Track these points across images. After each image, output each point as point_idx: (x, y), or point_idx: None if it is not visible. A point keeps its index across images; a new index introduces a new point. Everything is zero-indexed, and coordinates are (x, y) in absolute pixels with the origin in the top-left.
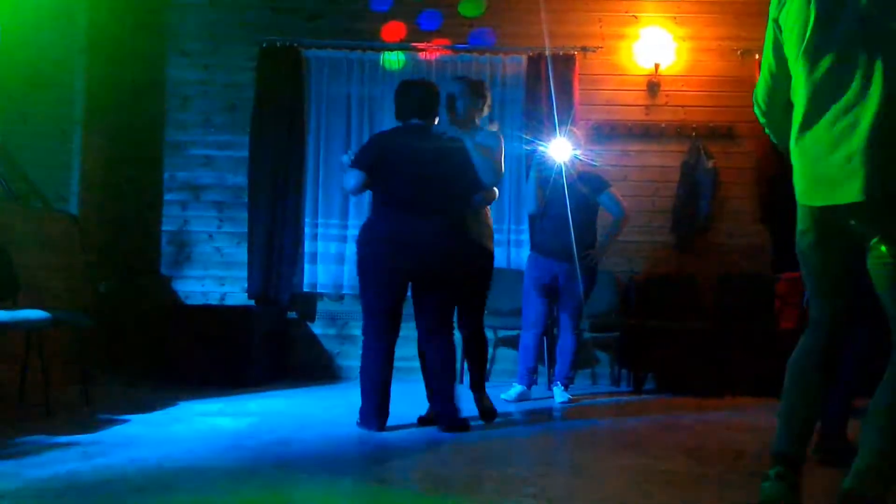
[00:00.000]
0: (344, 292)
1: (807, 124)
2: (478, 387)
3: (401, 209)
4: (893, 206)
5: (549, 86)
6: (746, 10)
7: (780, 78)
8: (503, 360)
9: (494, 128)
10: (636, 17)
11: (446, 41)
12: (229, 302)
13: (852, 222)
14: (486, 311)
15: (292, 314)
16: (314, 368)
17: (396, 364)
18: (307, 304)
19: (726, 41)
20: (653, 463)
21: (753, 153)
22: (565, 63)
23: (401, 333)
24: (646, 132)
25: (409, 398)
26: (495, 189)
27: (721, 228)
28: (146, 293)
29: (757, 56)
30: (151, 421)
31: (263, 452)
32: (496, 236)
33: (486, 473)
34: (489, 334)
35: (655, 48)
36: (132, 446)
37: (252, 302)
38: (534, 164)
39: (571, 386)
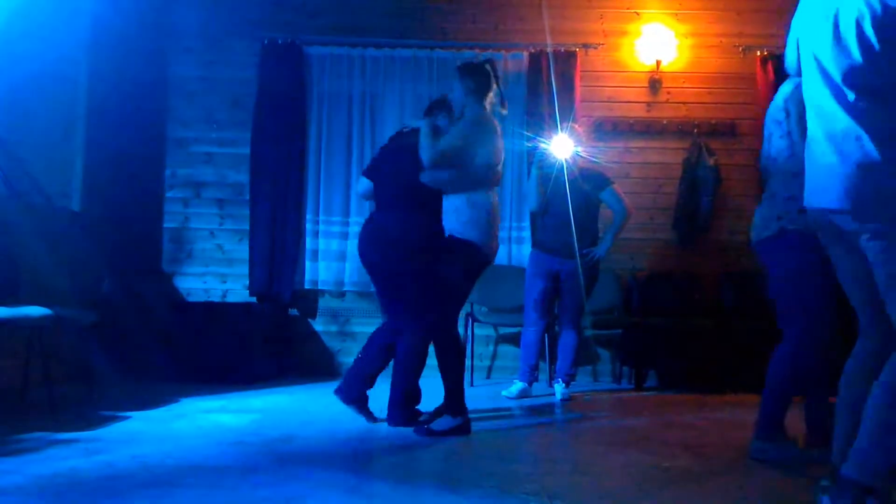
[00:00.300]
0: (345, 289)
1: None
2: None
3: (376, 207)
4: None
5: (550, 83)
6: (748, 7)
7: None
8: (504, 357)
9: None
10: (638, 13)
11: (448, 38)
12: (231, 299)
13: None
14: (487, 309)
15: (294, 311)
16: (316, 365)
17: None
18: (309, 301)
19: (728, 38)
20: (654, 460)
21: (755, 150)
22: (567, 60)
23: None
24: (647, 129)
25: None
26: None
27: (723, 225)
28: (148, 290)
29: (758, 53)
30: (153, 418)
31: (266, 449)
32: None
33: (488, 470)
34: (489, 331)
35: (657, 45)
36: (134, 443)
37: (254, 299)
38: (535, 161)
39: (573, 383)
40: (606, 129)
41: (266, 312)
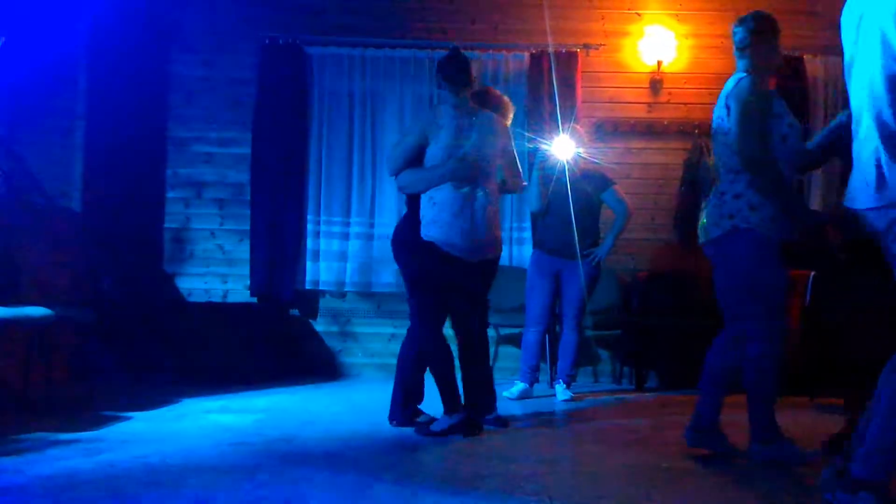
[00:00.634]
0: (346, 289)
1: None
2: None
3: None
4: None
5: (551, 83)
6: (749, 8)
7: None
8: (505, 358)
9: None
10: (639, 14)
11: (449, 38)
12: (232, 299)
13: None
14: (487, 309)
15: (295, 311)
16: (317, 366)
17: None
18: (309, 301)
19: (729, 39)
20: (655, 460)
21: None
22: (568, 60)
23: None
24: (648, 130)
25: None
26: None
27: None
28: (149, 290)
29: None
30: (154, 418)
31: (267, 449)
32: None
33: (489, 470)
34: (490, 332)
35: (658, 46)
36: (135, 443)
37: (254, 299)
38: (537, 161)
39: (574, 383)
40: (607, 129)
41: (267, 313)
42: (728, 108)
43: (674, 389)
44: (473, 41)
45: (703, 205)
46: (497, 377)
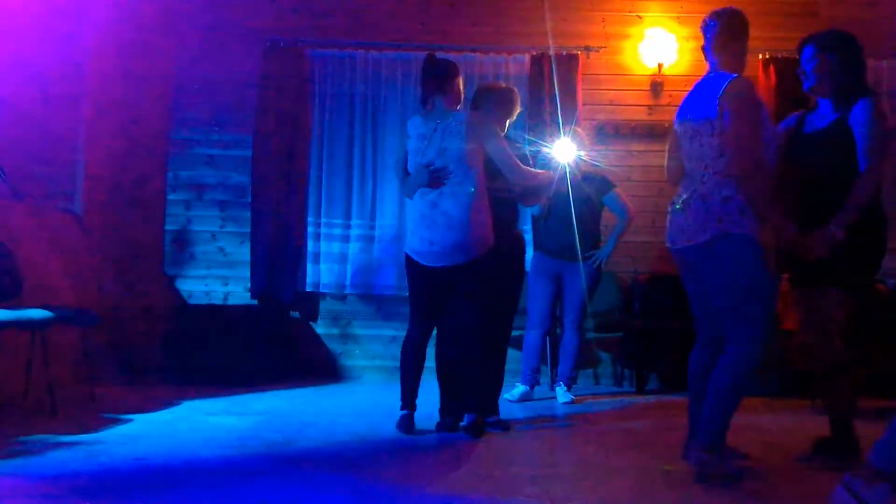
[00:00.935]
0: (347, 292)
1: None
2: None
3: None
4: None
5: (552, 86)
6: (749, 10)
7: None
8: (506, 360)
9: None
10: (640, 16)
11: (450, 40)
12: (232, 301)
13: None
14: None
15: (295, 314)
16: (317, 368)
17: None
18: (310, 303)
19: None
20: (656, 463)
21: None
22: (568, 63)
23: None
24: (649, 132)
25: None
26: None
27: None
28: (149, 292)
29: (760, 56)
30: (155, 420)
31: (267, 451)
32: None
33: (490, 473)
34: None
35: (659, 48)
36: (136, 445)
37: (255, 301)
38: (537, 164)
39: (574, 386)
40: (608, 132)
41: (267, 315)
42: (721, 107)
43: (674, 392)
44: (474, 43)
45: (671, 209)
46: None
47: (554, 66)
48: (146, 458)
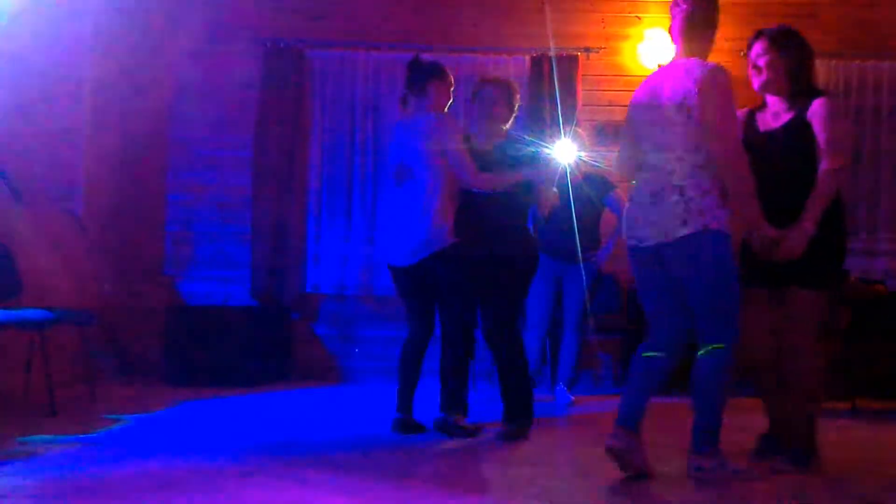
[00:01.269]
0: (347, 293)
1: None
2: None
3: None
4: None
5: (552, 87)
6: (749, 11)
7: None
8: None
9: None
10: (639, 17)
11: (450, 42)
12: (232, 302)
13: None
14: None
15: (295, 315)
16: (317, 369)
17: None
18: (310, 304)
19: (728, 42)
20: (654, 464)
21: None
22: (568, 64)
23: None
24: None
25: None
26: None
27: None
28: (150, 293)
29: None
30: (155, 421)
31: (267, 452)
32: None
33: (490, 474)
34: None
35: (658, 49)
36: (135, 446)
37: (255, 302)
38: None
39: (574, 387)
40: (608, 133)
41: (268, 316)
42: (702, 95)
43: (672, 394)
44: (474, 45)
45: (633, 202)
46: (495, 380)
47: (554, 67)
48: (145, 459)
